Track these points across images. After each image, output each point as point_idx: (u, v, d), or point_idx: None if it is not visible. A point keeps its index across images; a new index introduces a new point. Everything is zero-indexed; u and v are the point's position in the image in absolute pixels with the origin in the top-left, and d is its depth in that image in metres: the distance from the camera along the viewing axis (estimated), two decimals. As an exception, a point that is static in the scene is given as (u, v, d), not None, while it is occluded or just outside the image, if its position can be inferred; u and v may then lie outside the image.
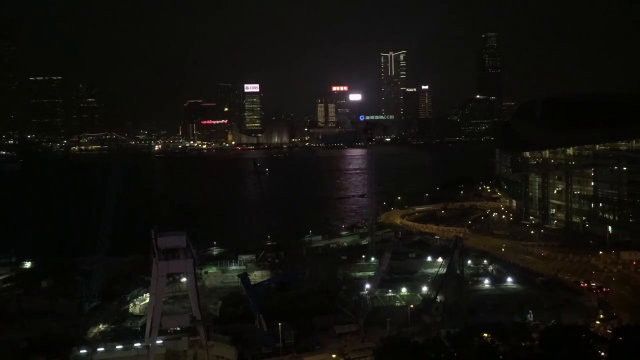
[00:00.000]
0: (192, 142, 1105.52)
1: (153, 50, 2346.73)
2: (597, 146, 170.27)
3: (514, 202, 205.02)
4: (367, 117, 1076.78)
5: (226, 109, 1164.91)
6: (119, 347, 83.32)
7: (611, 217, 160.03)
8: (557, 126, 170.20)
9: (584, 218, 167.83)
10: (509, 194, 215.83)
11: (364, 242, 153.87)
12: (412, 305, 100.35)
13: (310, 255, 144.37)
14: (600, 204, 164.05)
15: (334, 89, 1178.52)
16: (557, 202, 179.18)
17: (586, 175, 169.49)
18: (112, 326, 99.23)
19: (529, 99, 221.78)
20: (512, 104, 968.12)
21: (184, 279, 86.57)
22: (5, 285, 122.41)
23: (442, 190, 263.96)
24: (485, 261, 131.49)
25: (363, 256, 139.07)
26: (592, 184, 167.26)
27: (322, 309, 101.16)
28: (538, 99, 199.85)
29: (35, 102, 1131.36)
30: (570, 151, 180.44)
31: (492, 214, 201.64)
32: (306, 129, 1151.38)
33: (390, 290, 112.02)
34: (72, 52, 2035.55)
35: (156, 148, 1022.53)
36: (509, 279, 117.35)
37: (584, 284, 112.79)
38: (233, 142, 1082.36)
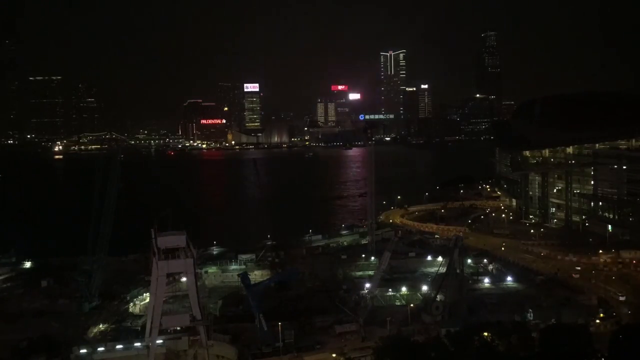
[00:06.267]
0: (192, 141, 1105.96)
1: (153, 49, 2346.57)
2: (597, 145, 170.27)
3: (514, 201, 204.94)
4: (367, 117, 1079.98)
5: (226, 109, 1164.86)
6: (119, 346, 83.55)
7: (611, 216, 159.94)
8: (556, 125, 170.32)
9: (583, 217, 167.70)
10: (508, 193, 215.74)
11: (364, 241, 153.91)
12: (412, 305, 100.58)
13: (310, 255, 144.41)
14: (600, 203, 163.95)
15: (334, 88, 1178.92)
16: (557, 201, 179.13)
17: (586, 174, 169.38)
18: (112, 326, 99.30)
19: (528, 98, 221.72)
20: (512, 103, 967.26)
21: (184, 279, 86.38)
22: (5, 285, 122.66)
23: (442, 189, 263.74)
24: (485, 260, 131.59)
25: (363, 255, 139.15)
26: (592, 182, 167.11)
27: (322, 309, 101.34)
28: (537, 98, 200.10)
29: (35, 102, 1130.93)
30: (570, 150, 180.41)
31: (492, 213, 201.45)
32: (306, 129, 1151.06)
33: (390, 290, 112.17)
34: (72, 52, 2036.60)
35: (56, 149, 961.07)
36: (509, 278, 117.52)
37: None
38: (233, 142, 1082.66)
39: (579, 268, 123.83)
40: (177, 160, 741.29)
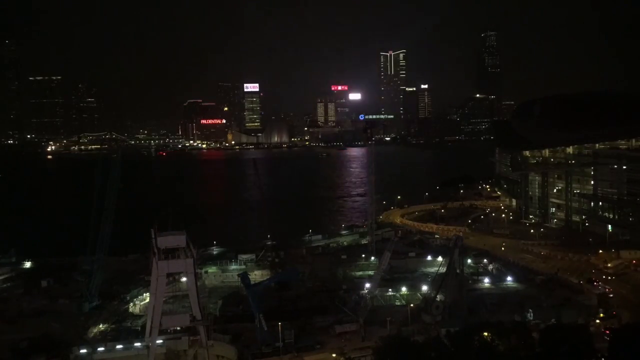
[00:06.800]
0: (192, 141, 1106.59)
1: (153, 50, 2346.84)
2: (597, 145, 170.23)
3: (514, 201, 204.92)
4: (367, 117, 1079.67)
5: (226, 109, 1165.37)
6: (119, 346, 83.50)
7: (611, 216, 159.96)
8: (556, 125, 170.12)
9: (583, 217, 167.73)
10: (508, 193, 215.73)
11: (364, 241, 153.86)
12: (412, 305, 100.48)
13: (310, 255, 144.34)
14: (600, 203, 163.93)
15: (334, 88, 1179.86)
16: (557, 201, 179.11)
17: (586, 174, 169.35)
18: (112, 326, 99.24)
19: (528, 98, 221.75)
20: (512, 102, 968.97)
21: (184, 279, 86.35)
22: (5, 285, 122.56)
23: (441, 189, 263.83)
24: (485, 260, 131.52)
25: (363, 255, 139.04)
26: (592, 182, 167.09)
27: (322, 309, 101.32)
28: (537, 97, 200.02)
29: (35, 102, 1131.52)
30: (570, 150, 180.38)
31: (492, 213, 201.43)
32: (306, 129, 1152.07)
33: (390, 290, 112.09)
34: (72, 52, 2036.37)
35: (49, 149, 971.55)
36: (509, 278, 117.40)
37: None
38: (233, 142, 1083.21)
39: (610, 265, 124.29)
40: (170, 161, 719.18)
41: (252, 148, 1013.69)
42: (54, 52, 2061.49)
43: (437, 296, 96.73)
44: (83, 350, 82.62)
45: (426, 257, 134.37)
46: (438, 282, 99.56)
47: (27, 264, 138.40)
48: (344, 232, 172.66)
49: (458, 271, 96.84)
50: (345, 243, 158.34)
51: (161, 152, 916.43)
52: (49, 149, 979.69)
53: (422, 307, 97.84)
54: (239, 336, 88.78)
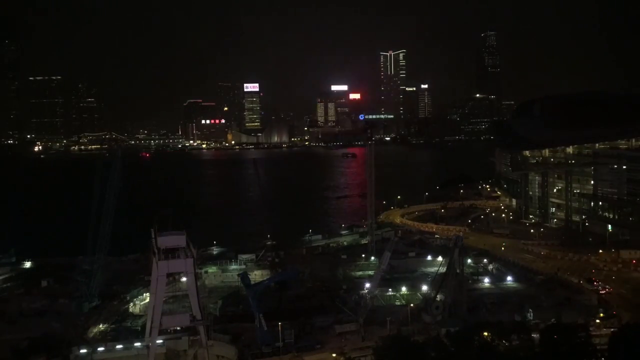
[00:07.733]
0: (192, 141, 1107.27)
1: (153, 49, 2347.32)
2: (597, 145, 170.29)
3: (514, 201, 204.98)
4: (367, 116, 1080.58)
5: (226, 109, 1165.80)
6: (119, 346, 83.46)
7: (611, 216, 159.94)
8: (556, 125, 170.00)
9: (583, 217, 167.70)
10: (508, 192, 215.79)
11: (364, 241, 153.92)
12: (412, 304, 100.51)
13: (310, 255, 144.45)
14: (600, 203, 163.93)
15: (334, 88, 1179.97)
16: (557, 200, 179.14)
17: (586, 174, 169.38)
18: (112, 326, 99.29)
19: (528, 98, 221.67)
20: (512, 102, 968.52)
21: (184, 279, 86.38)
22: (5, 285, 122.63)
23: (441, 189, 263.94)
24: (485, 260, 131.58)
25: (363, 255, 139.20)
26: (592, 182, 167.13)
27: (322, 308, 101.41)
28: (537, 97, 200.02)
29: (35, 102, 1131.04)
30: (570, 150, 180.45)
31: (492, 212, 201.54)
32: (306, 128, 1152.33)
33: (390, 289, 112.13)
34: (72, 52, 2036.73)
35: (36, 149, 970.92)
36: (509, 278, 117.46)
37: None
38: (233, 142, 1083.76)
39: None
40: (157, 164, 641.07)
41: (252, 148, 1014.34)
42: (54, 52, 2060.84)
43: (437, 296, 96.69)
44: (83, 350, 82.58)
45: (426, 257, 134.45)
46: (438, 282, 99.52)
47: (27, 264, 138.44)
48: (344, 232, 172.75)
49: (458, 271, 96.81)
50: (345, 243, 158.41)
51: (145, 154, 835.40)
52: (35, 149, 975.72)
53: (422, 307, 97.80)
54: (239, 336, 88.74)
